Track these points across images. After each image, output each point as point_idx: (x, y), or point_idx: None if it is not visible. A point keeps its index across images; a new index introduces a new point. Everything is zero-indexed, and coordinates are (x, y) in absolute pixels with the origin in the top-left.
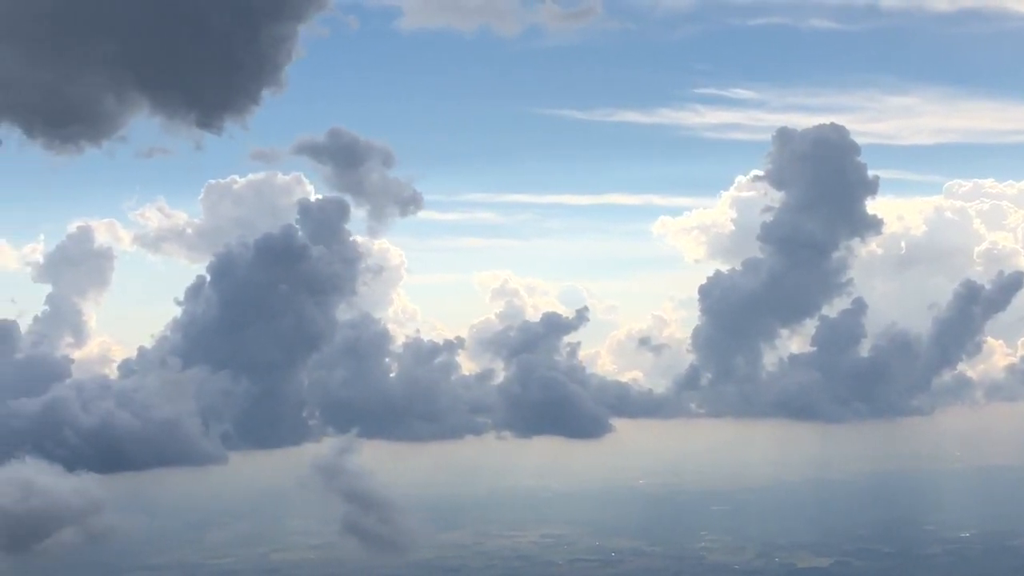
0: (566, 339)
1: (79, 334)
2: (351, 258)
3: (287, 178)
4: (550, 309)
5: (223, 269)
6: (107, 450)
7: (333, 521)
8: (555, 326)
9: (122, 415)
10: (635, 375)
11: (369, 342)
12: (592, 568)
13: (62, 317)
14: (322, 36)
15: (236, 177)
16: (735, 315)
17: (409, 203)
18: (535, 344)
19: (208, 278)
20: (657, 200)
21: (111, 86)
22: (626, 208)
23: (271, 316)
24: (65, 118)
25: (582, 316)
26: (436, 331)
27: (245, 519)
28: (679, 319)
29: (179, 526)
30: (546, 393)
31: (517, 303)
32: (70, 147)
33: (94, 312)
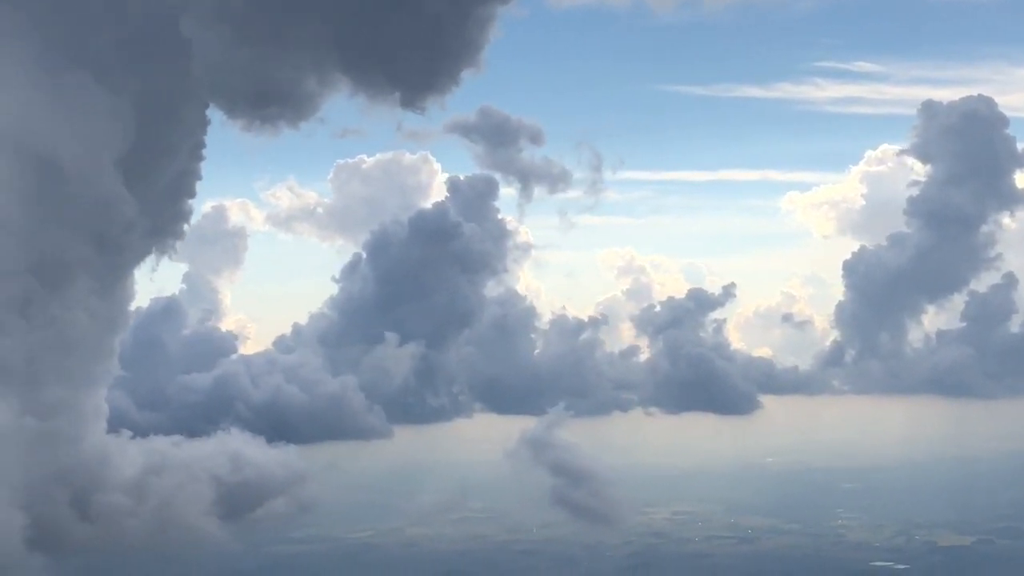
0: (712, 316)
1: (215, 312)
2: (500, 236)
3: (414, 158)
4: (676, 287)
5: (378, 247)
6: (277, 423)
7: (532, 494)
8: (701, 303)
9: (290, 389)
10: (764, 352)
11: (516, 319)
12: (729, 545)
13: (199, 295)
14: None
15: (364, 157)
16: (880, 291)
17: (559, 181)
18: (681, 321)
19: (364, 256)
20: (775, 175)
21: (314, 67)
22: (744, 184)
23: (425, 293)
24: (267, 99)
25: (728, 292)
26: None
27: (433, 491)
28: (807, 296)
29: (374, 497)
30: (695, 370)
31: (644, 280)
32: (268, 128)
33: (228, 290)
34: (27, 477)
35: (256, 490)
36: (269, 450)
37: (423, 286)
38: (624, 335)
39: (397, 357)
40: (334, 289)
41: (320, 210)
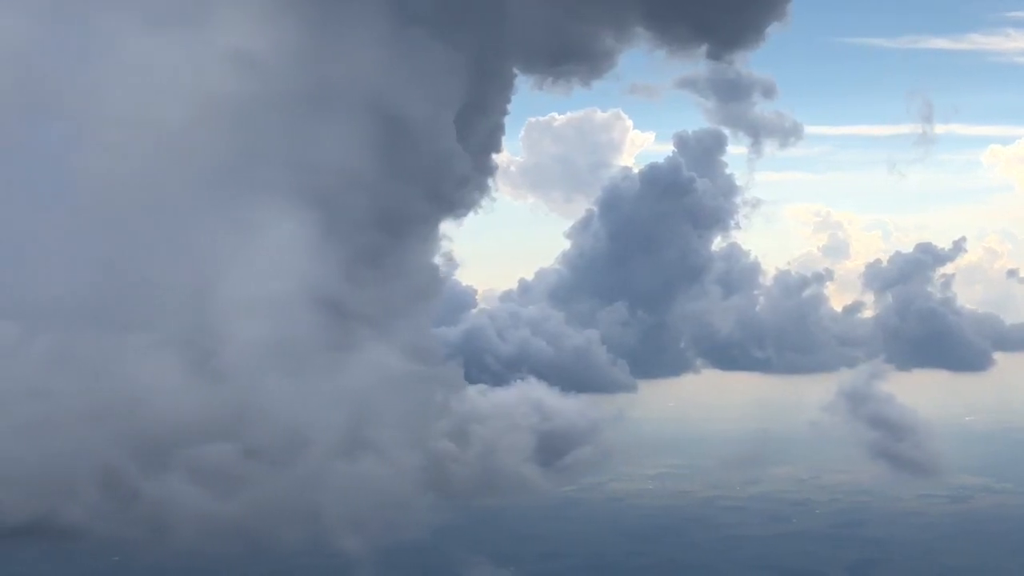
0: (940, 271)
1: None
2: (730, 191)
3: (606, 115)
4: (872, 244)
5: (610, 203)
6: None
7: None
8: (930, 257)
9: (537, 342)
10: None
11: (740, 274)
12: (942, 504)
13: None
14: None
15: (555, 115)
16: None
17: (790, 134)
18: (910, 276)
19: (596, 212)
20: (961, 129)
21: (614, 21)
22: (928, 138)
23: (656, 248)
24: (564, 56)
25: (959, 247)
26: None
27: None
28: (1006, 251)
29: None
30: (926, 325)
31: (840, 236)
32: (561, 85)
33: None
34: (419, 420)
35: (564, 438)
36: (565, 399)
37: (655, 242)
38: (834, 292)
39: (632, 312)
40: (550, 246)
41: (512, 168)
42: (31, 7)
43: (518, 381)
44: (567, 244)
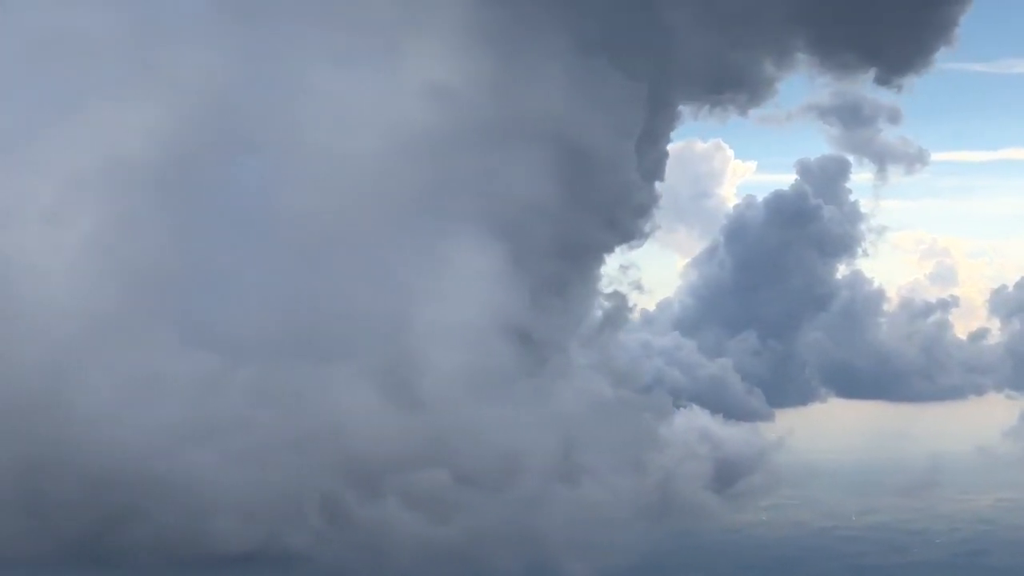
0: None
1: None
2: (855, 217)
3: (706, 145)
4: (977, 270)
5: (735, 232)
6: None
7: None
8: None
9: (671, 372)
10: None
11: (864, 302)
12: None
13: None
14: None
15: None
16: None
17: (915, 161)
18: None
19: (721, 241)
20: None
21: (775, 48)
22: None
23: (783, 277)
24: (723, 83)
25: None
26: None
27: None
28: None
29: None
30: None
31: (947, 263)
32: (717, 113)
33: None
34: (631, 446)
35: (734, 465)
36: (726, 427)
37: (781, 270)
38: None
39: (762, 341)
40: (660, 275)
41: None
42: (228, 48)
43: (682, 409)
44: (676, 274)
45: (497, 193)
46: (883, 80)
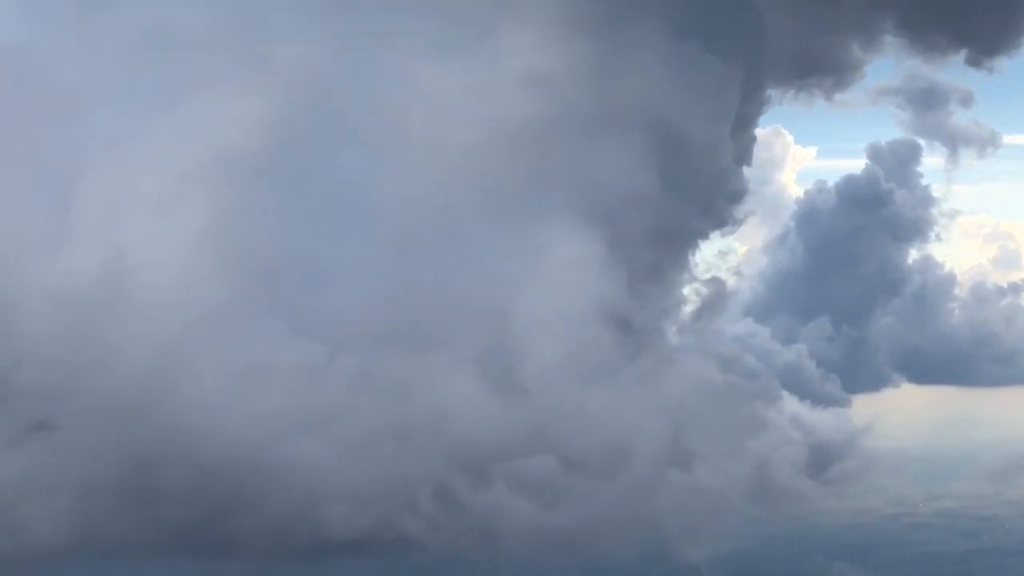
0: None
1: None
2: (927, 201)
3: (765, 131)
4: None
5: (807, 217)
6: None
7: None
8: None
9: (746, 358)
10: None
11: (935, 287)
12: None
13: None
14: None
15: None
16: None
17: (987, 144)
18: None
19: (792, 227)
20: None
21: (864, 31)
22: None
23: (855, 262)
24: (810, 68)
25: None
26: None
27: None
28: None
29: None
30: None
31: (1011, 247)
32: (802, 99)
33: None
34: (740, 431)
35: (826, 451)
36: (815, 412)
37: (853, 255)
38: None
39: (835, 327)
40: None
41: None
42: (327, 39)
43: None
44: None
45: (594, 181)
46: (974, 62)
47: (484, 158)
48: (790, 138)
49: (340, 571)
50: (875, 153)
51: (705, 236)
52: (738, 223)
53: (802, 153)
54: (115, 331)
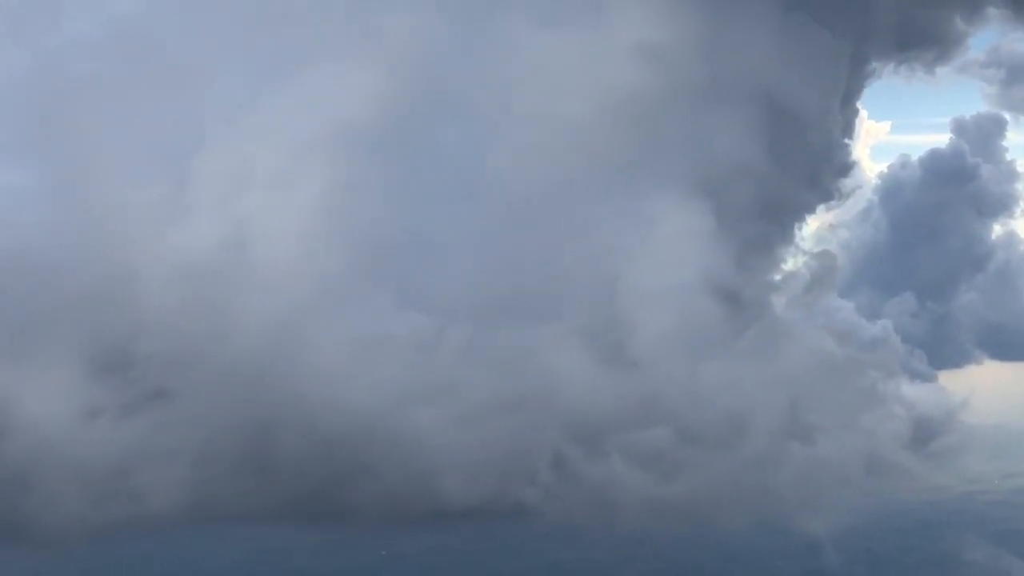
0: None
1: None
2: (1011, 176)
3: None
4: None
5: (890, 192)
6: None
7: None
8: None
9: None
10: None
11: (1019, 262)
12: None
13: None
14: None
15: None
16: None
17: None
18: None
19: (875, 201)
20: None
21: (966, 3)
22: None
23: (940, 237)
24: (913, 41)
25: None
26: None
27: None
28: None
29: None
30: None
31: None
32: (902, 72)
33: None
34: (858, 405)
35: (926, 425)
36: (913, 387)
37: (938, 230)
38: None
39: (920, 303)
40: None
41: None
42: (438, 9)
43: None
44: (807, 236)
45: (704, 154)
46: None
47: (593, 130)
48: (864, 112)
49: (457, 539)
50: (959, 127)
51: (812, 210)
52: (845, 197)
53: (875, 128)
54: (233, 302)
